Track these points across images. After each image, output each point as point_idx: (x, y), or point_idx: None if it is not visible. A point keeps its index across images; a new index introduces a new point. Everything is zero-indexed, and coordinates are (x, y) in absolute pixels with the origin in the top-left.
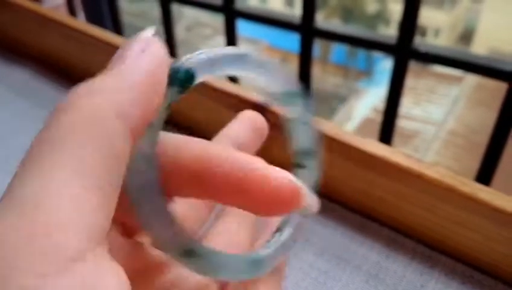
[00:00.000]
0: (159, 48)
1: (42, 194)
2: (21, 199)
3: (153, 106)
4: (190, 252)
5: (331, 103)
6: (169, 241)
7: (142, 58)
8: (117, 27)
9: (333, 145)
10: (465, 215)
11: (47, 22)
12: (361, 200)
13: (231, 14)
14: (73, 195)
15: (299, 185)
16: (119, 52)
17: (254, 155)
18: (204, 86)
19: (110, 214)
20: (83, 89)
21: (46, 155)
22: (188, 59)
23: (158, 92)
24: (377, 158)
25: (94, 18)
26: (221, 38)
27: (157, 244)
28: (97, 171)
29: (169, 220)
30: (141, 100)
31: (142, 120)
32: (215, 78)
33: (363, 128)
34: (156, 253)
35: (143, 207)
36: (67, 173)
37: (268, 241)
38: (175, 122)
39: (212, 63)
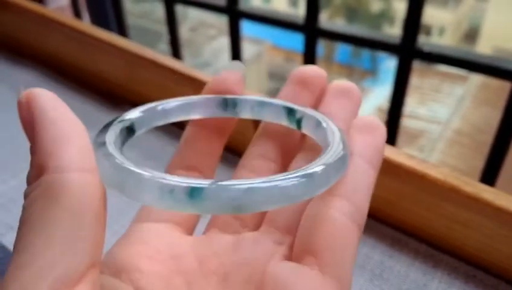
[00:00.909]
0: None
1: None
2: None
3: None
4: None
5: None
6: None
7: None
8: (121, 28)
9: None
10: (468, 215)
11: (51, 24)
12: None
13: (235, 15)
14: None
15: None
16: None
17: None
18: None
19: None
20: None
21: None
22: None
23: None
24: None
25: (99, 19)
26: (226, 39)
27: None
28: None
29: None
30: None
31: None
32: None
33: None
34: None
35: None
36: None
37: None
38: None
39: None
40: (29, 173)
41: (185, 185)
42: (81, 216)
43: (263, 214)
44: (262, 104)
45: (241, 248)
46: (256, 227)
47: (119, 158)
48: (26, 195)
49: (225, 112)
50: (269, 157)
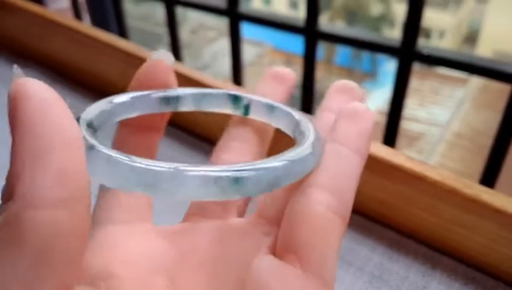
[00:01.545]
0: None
1: None
2: None
3: None
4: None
5: None
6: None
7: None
8: (122, 30)
9: None
10: (467, 217)
11: (52, 25)
12: (363, 202)
13: (235, 17)
14: None
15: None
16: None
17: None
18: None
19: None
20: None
21: None
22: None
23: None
24: (379, 160)
25: (99, 21)
26: (226, 41)
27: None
28: None
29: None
30: None
31: None
32: None
33: None
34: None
35: None
36: None
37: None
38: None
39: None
40: (3, 185)
41: (229, 174)
42: (44, 259)
43: (246, 199)
44: (204, 95)
45: (229, 239)
46: (240, 213)
47: (131, 159)
48: None
49: (167, 106)
50: (246, 140)
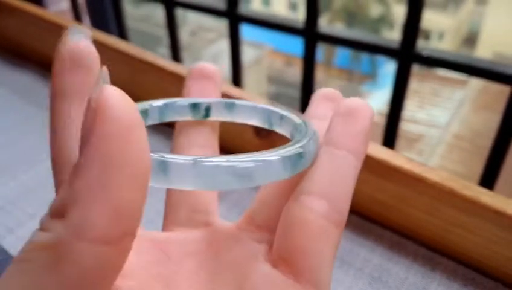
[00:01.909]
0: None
1: None
2: None
3: None
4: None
5: None
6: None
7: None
8: (121, 32)
9: None
10: (466, 218)
11: (52, 27)
12: (363, 203)
13: (235, 19)
14: None
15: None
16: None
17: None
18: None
19: None
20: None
21: None
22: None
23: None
24: (378, 161)
25: (99, 23)
26: (225, 43)
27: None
28: None
29: None
30: None
31: None
32: None
33: None
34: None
35: None
36: None
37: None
38: None
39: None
40: (54, 198)
41: (252, 164)
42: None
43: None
44: (166, 106)
45: (223, 246)
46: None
47: (164, 155)
48: (40, 226)
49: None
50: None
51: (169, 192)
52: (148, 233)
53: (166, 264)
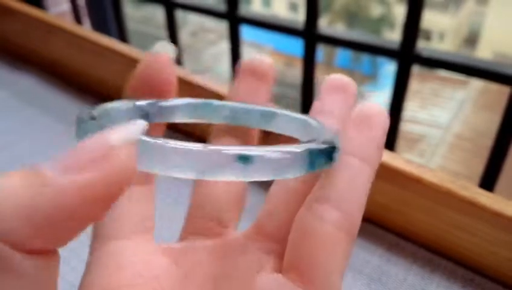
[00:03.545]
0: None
1: None
2: None
3: None
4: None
5: None
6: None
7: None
8: (122, 33)
9: None
10: (465, 220)
11: (52, 29)
12: None
13: (235, 20)
14: None
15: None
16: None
17: None
18: None
19: None
20: None
21: None
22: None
23: None
24: None
25: (99, 25)
26: (225, 44)
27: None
28: None
29: None
30: None
31: None
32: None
33: None
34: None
35: None
36: None
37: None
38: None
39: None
40: None
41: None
42: None
43: (240, 213)
44: (196, 106)
45: (229, 257)
46: (236, 227)
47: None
48: None
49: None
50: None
51: (192, 198)
52: (160, 244)
53: (176, 275)
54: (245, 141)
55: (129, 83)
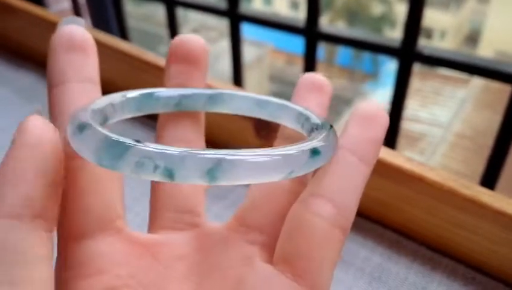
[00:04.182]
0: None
1: None
2: None
3: None
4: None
5: (337, 106)
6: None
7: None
8: (122, 31)
9: None
10: (466, 218)
11: (53, 27)
12: (362, 202)
13: (236, 18)
14: None
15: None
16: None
17: None
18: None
19: None
20: None
21: None
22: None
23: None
24: (378, 161)
25: (100, 22)
26: (226, 42)
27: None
28: None
29: None
30: None
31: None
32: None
33: None
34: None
35: None
36: None
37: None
38: None
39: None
40: None
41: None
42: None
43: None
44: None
45: (212, 248)
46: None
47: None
48: None
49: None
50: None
51: (154, 192)
52: (138, 236)
53: (156, 270)
54: (193, 126)
55: (168, 61)
